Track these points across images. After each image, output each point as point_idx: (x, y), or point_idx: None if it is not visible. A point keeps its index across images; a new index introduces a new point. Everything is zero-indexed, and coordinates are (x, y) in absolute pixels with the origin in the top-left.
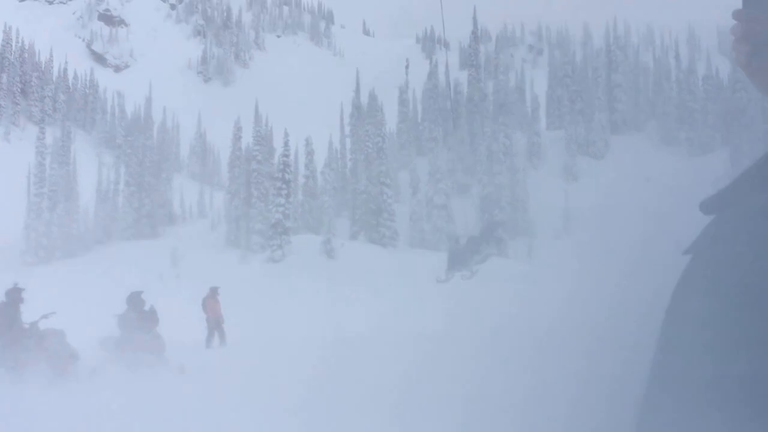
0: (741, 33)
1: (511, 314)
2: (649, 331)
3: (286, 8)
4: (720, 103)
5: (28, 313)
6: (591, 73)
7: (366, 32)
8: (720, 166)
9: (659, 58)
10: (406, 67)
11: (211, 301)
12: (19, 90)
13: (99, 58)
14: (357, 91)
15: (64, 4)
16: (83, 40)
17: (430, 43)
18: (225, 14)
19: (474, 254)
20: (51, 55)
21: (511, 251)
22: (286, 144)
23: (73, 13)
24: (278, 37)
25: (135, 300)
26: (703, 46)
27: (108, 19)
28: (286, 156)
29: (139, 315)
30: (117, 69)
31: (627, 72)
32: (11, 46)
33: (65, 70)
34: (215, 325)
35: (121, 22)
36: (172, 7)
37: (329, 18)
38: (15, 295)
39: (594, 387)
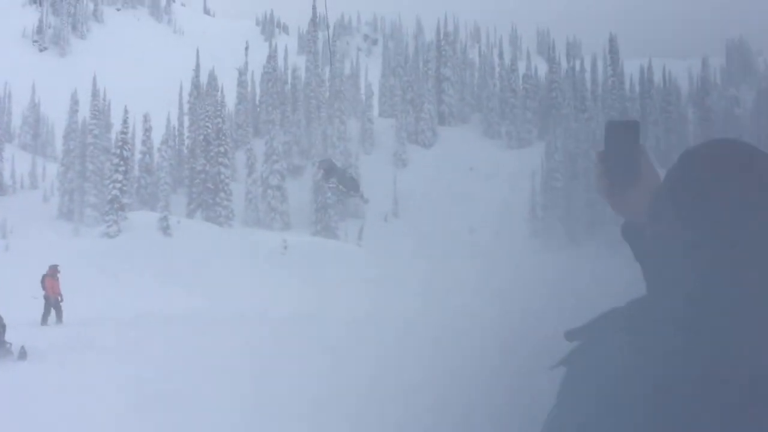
0: (601, 170)
1: (333, 297)
2: (466, 307)
3: None
4: (537, 100)
5: None
6: (422, 66)
7: (206, 11)
8: (536, 159)
9: (485, 55)
10: (246, 48)
11: (50, 279)
12: None
13: None
14: (197, 69)
15: None
16: None
17: (269, 26)
18: None
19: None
20: None
21: (341, 233)
22: (124, 121)
23: None
24: (118, 10)
25: None
26: (523, 47)
27: None
28: (125, 133)
29: None
30: None
31: (455, 66)
32: None
33: None
34: (54, 303)
35: None
36: None
37: None
38: None
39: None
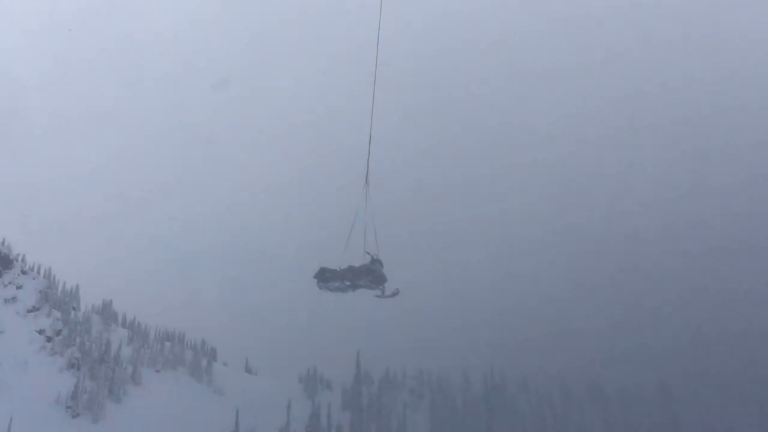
0: None
1: None
2: None
3: (168, 344)
4: None
5: None
6: (472, 420)
7: (248, 370)
8: None
9: (535, 407)
10: (288, 407)
11: None
12: None
13: None
14: (236, 430)
15: None
16: None
17: (312, 382)
18: (103, 348)
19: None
20: None
21: None
22: None
23: None
24: (157, 371)
25: None
26: (574, 398)
27: None
28: None
29: None
30: None
31: (506, 418)
32: None
33: None
34: None
35: None
36: (48, 339)
37: (212, 355)
38: None
39: None
